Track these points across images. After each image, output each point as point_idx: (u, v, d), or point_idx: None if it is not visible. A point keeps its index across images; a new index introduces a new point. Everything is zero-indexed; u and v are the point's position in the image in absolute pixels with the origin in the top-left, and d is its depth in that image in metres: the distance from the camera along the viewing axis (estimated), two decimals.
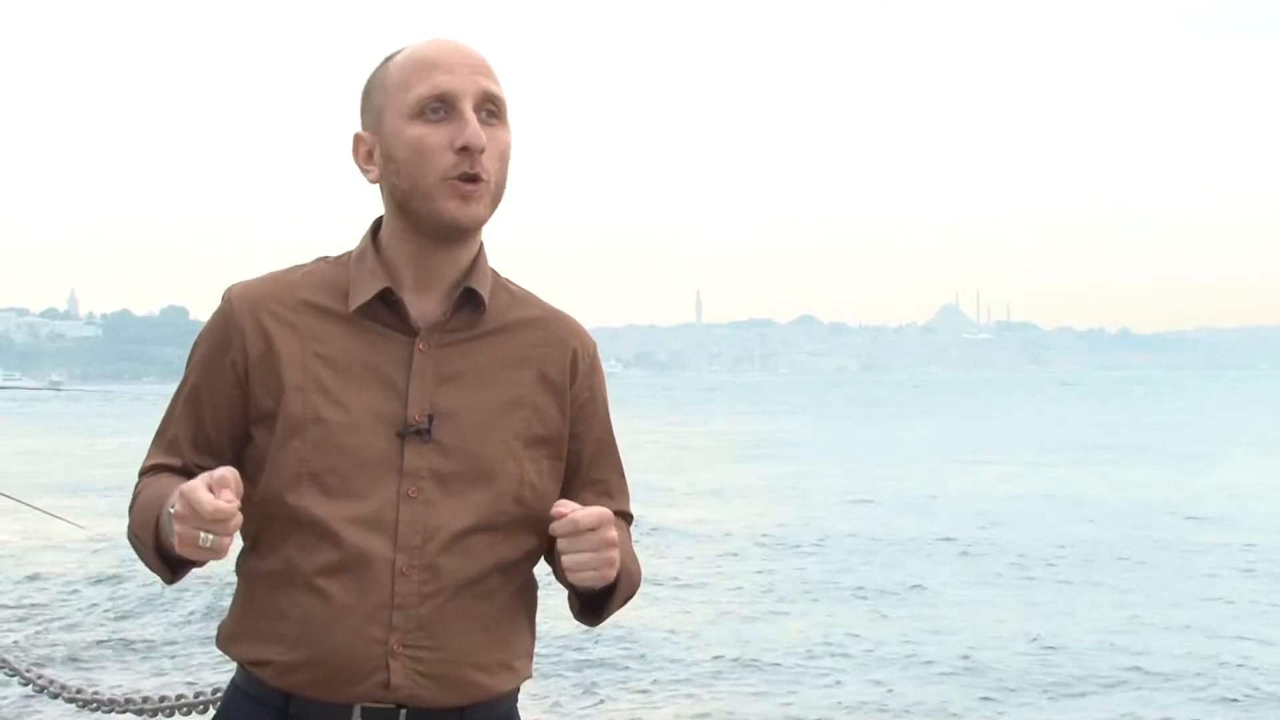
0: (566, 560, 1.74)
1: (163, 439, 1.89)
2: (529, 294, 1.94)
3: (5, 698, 7.52)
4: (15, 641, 9.49)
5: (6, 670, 4.46)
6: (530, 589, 1.91)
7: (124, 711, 3.99)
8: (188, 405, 1.87)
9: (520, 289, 1.94)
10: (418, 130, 1.78)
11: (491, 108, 1.80)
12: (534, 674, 1.94)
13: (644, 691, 8.42)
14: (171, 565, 1.80)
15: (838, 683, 8.77)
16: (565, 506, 1.74)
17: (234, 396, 1.84)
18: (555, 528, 1.73)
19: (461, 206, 1.78)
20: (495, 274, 1.91)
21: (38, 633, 10.23)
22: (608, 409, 1.97)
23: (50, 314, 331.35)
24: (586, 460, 1.93)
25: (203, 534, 1.61)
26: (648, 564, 2.11)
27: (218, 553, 1.65)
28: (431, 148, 1.77)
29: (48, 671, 4.98)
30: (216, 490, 1.62)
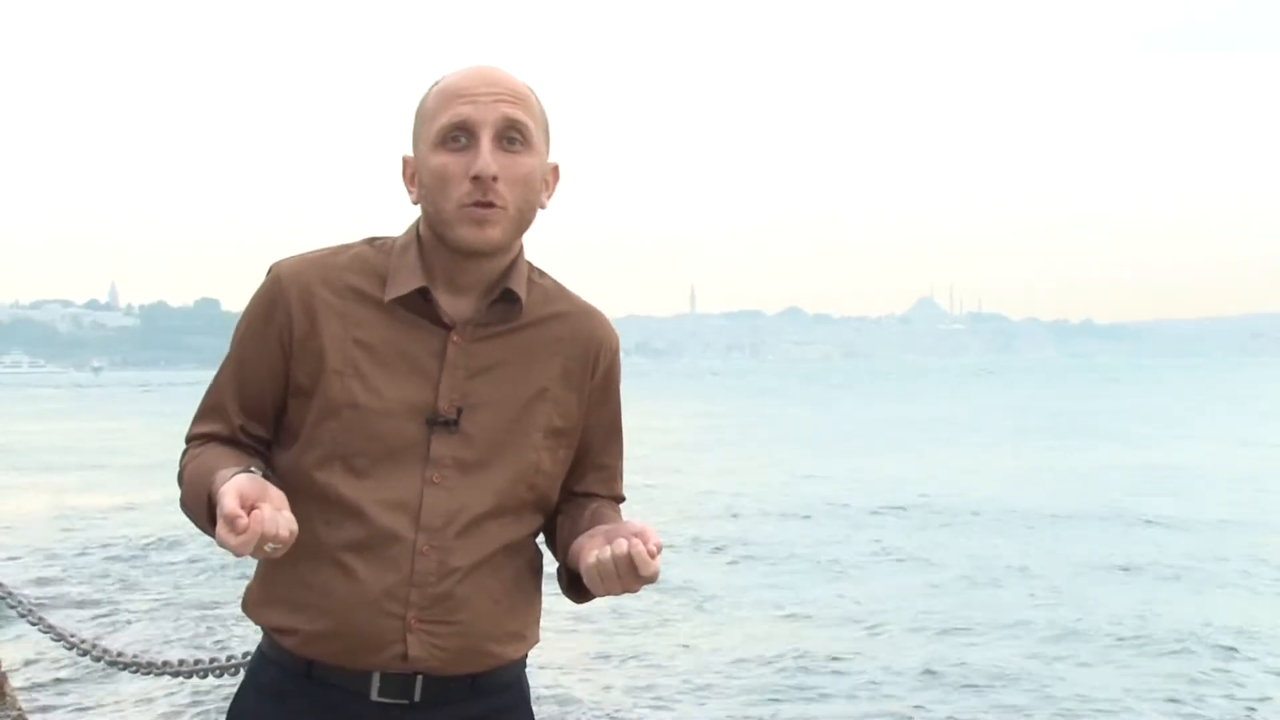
0: (600, 586, 1.78)
1: (208, 406, 1.93)
2: (562, 288, 1.97)
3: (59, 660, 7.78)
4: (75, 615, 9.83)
5: (28, 619, 4.52)
6: (536, 560, 1.98)
7: (160, 674, 4.04)
8: (235, 374, 1.92)
9: (554, 284, 1.97)
10: (441, 159, 1.82)
11: (514, 134, 1.83)
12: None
13: None
14: None
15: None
16: (648, 565, 1.73)
17: (278, 367, 1.88)
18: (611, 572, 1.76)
19: (476, 232, 1.81)
20: (531, 268, 1.95)
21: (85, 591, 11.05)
22: (619, 396, 2.02)
23: (92, 305, 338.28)
24: (596, 445, 2.00)
25: (270, 545, 1.66)
26: None
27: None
28: (451, 176, 1.81)
29: (84, 631, 4.93)
30: (279, 509, 1.67)
